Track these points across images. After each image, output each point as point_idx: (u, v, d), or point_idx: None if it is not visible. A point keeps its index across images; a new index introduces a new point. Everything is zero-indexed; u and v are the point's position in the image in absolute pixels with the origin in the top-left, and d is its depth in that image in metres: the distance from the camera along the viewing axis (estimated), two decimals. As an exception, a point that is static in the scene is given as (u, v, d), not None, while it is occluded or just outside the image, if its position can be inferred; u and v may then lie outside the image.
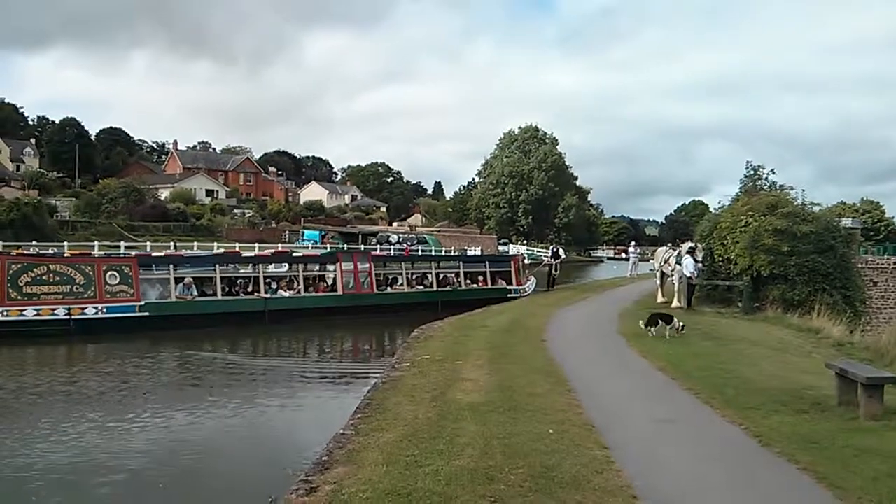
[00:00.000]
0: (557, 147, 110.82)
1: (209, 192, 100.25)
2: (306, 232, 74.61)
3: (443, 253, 50.37)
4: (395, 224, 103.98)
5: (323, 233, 73.98)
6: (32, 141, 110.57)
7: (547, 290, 31.76)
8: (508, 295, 30.16)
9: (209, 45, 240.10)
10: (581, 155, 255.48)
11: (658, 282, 26.31)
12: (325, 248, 55.26)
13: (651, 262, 29.38)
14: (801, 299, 22.05)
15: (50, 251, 24.57)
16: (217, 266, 24.66)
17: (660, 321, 16.21)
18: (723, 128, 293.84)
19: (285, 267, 27.11)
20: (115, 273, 21.93)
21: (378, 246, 61.26)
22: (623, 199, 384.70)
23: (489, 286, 30.76)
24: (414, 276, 29.72)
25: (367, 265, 27.75)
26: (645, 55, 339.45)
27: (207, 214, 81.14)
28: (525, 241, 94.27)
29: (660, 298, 25.24)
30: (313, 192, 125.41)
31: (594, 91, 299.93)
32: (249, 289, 24.79)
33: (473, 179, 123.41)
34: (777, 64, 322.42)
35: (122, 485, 9.17)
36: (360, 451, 7.30)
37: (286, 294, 25.32)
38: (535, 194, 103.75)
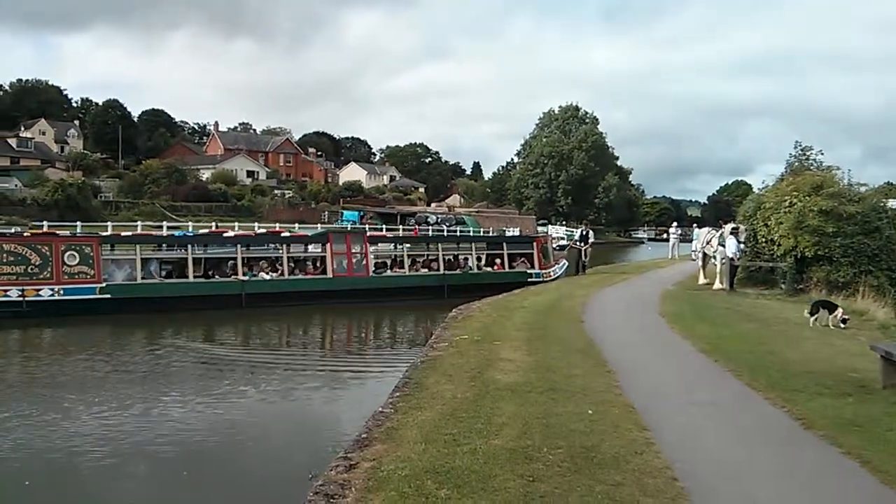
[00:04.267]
0: (598, 126, 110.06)
1: (250, 173, 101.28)
2: (345, 213, 75.12)
3: (479, 233, 50.00)
4: (433, 205, 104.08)
5: (362, 213, 74.49)
6: (76, 122, 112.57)
7: (576, 275, 29.50)
8: (529, 280, 27.69)
9: (248, 23, 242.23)
10: (623, 134, 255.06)
11: (700, 263, 26.05)
12: (364, 228, 55.52)
13: (693, 242, 28.89)
14: (845, 281, 21.62)
15: (11, 230, 23.97)
16: (190, 247, 23.51)
17: (821, 309, 15.61)
18: (768, 106, 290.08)
19: (271, 248, 25.39)
20: (75, 253, 20.97)
21: (416, 227, 61.37)
22: (665, 179, 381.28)
23: (507, 269, 28.63)
24: (420, 259, 27.94)
25: (362, 246, 25.98)
26: (690, 31, 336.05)
27: (248, 195, 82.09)
28: (564, 222, 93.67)
29: (702, 280, 25.00)
30: (352, 172, 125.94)
31: (637, 68, 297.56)
32: (228, 271, 23.56)
33: (512, 160, 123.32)
34: (826, 41, 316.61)
35: (158, 467, 9.32)
36: (399, 429, 7.35)
37: (267, 277, 23.91)
38: (574, 174, 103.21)
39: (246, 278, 23.30)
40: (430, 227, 61.60)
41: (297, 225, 44.60)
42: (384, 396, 9.13)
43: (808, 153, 28.93)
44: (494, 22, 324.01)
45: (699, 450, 6.93)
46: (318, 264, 25.38)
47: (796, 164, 28.69)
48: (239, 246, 24.23)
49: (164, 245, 24.76)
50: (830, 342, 13.37)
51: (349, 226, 58.15)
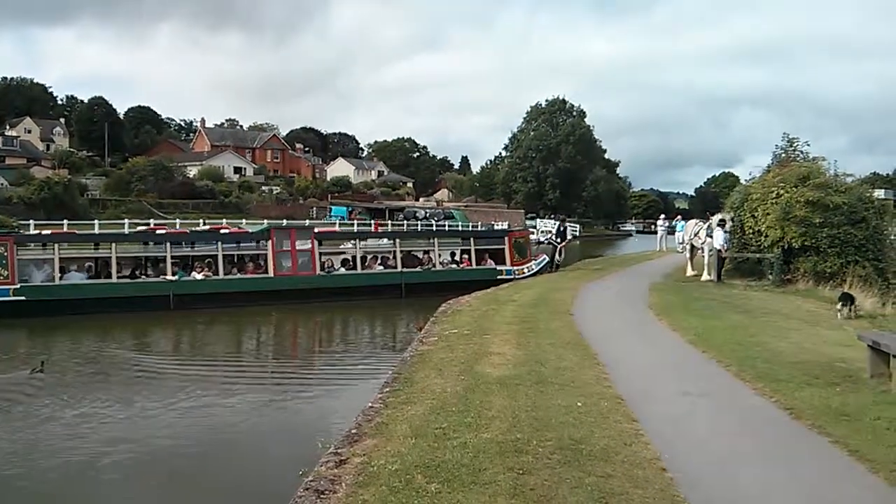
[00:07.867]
0: (585, 119, 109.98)
1: (237, 170, 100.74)
2: (334, 208, 75.15)
3: (467, 227, 49.62)
4: (421, 199, 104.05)
5: (350, 209, 74.50)
6: (62, 120, 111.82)
7: (550, 272, 27.87)
8: (499, 277, 25.56)
9: (236, 14, 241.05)
10: (612, 125, 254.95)
11: (687, 255, 26.14)
12: (352, 223, 55.48)
13: (677, 234, 28.89)
14: (832, 271, 21.72)
15: None
16: (114, 245, 22.21)
17: (848, 301, 15.71)
18: (760, 95, 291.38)
19: (209, 246, 23.57)
20: None
21: (405, 221, 61.41)
22: (653, 171, 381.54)
23: (473, 267, 26.33)
24: (378, 256, 26.06)
25: (309, 243, 24.23)
26: (684, 19, 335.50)
27: (235, 191, 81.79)
28: (553, 216, 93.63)
29: (689, 272, 25.09)
30: (340, 168, 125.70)
31: (629, 58, 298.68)
32: (158, 271, 22.15)
33: (500, 154, 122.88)
34: (821, 29, 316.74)
35: (151, 464, 9.28)
36: (389, 423, 7.35)
37: (198, 276, 22.30)
38: (562, 168, 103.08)
39: (175, 278, 21.90)
40: (420, 222, 61.59)
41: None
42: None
43: (794, 144, 28.99)
44: (487, 11, 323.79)
45: (688, 440, 6.96)
46: (259, 263, 23.88)
47: (783, 155, 28.74)
48: (169, 244, 22.76)
49: (94, 244, 23.73)
50: (818, 332, 13.44)
51: (338, 221, 58.19)
